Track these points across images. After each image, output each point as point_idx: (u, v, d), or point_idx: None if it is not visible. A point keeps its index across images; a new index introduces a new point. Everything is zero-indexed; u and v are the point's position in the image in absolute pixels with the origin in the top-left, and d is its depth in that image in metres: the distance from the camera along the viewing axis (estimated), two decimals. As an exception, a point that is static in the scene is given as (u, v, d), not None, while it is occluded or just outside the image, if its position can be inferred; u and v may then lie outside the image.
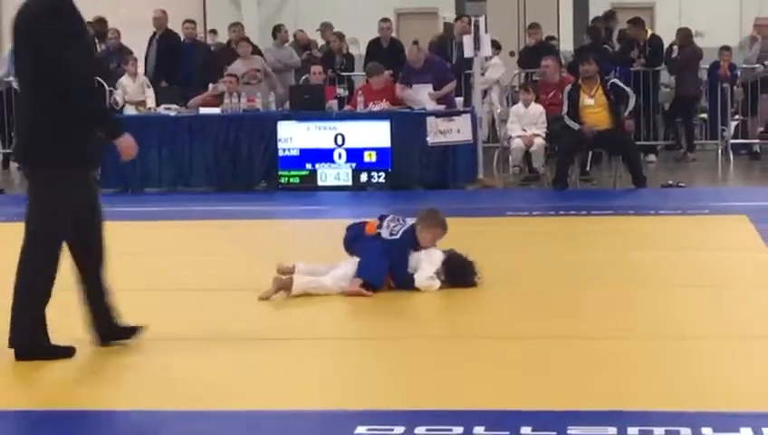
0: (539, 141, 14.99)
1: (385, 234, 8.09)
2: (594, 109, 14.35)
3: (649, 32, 18.35)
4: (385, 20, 18.29)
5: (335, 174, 14.71)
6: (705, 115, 18.75)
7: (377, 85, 15.52)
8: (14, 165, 17.64)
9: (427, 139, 14.65)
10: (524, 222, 11.79)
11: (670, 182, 14.62)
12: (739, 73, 18.14)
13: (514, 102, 16.35)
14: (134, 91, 17.28)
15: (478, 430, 4.88)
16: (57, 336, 6.31)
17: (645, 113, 17.49)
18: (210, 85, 16.26)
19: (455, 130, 14.76)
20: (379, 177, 14.66)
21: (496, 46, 18.33)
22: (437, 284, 7.97)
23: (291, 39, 19.57)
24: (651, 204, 12.67)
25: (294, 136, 14.81)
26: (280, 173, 14.82)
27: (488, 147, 16.97)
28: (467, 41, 15.57)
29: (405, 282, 7.98)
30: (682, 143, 18.30)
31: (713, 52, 18.29)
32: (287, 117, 15.05)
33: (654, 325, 6.94)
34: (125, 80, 17.41)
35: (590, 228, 11.20)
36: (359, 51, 19.50)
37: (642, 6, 23.54)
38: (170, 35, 18.29)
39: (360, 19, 21.24)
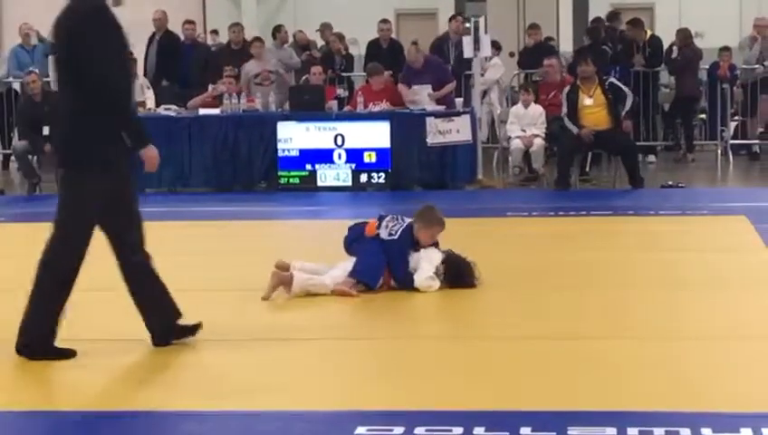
0: (538, 142, 15.00)
1: (384, 235, 8.10)
2: (593, 109, 14.35)
3: (649, 32, 18.34)
4: (384, 21, 18.29)
5: (335, 174, 14.71)
6: (704, 116, 18.74)
7: (377, 86, 15.53)
8: (13, 165, 17.64)
9: (427, 139, 14.65)
10: (524, 222, 11.79)
11: (670, 183, 14.62)
12: (739, 74, 18.13)
13: (514, 103, 16.36)
14: (134, 92, 17.26)
15: (478, 430, 4.88)
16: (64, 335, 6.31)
17: (644, 114, 17.49)
18: (210, 86, 16.25)
19: (454, 131, 14.76)
20: (378, 177, 14.66)
21: (496, 47, 18.32)
22: (437, 284, 7.97)
23: (290, 40, 19.57)
24: (651, 204, 12.67)
25: (294, 136, 14.81)
26: (279, 174, 14.82)
27: (488, 147, 16.99)
28: (467, 41, 15.57)
29: (406, 281, 7.99)
30: (681, 144, 18.29)
31: (712, 52, 18.28)
32: (287, 117, 15.04)
33: (653, 326, 6.94)
34: (125, 80, 17.39)
35: (590, 229, 11.20)
36: (358, 51, 19.50)
37: (642, 7, 23.54)
38: (170, 36, 18.28)
39: (359, 20, 21.23)
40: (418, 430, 4.90)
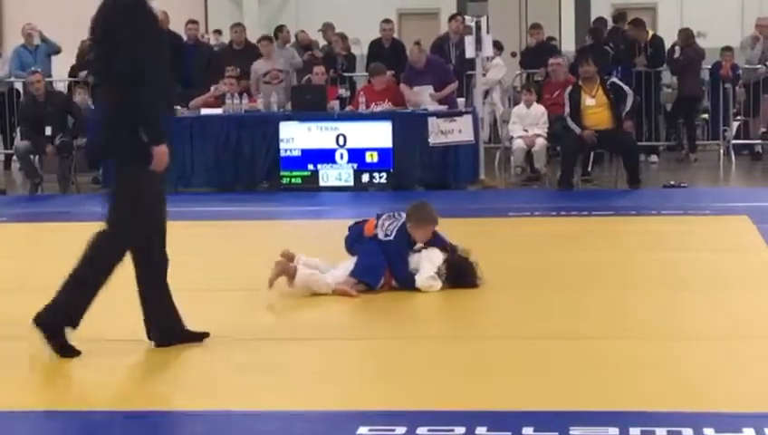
0: (541, 142, 15.00)
1: (380, 235, 8.10)
2: (595, 109, 14.35)
3: (650, 32, 18.34)
4: (387, 21, 18.28)
5: (337, 174, 14.71)
6: (706, 115, 18.74)
7: (379, 86, 15.53)
8: (15, 165, 17.65)
9: (429, 139, 14.65)
10: (526, 222, 11.79)
11: (672, 183, 14.62)
12: (741, 74, 18.13)
13: (516, 103, 16.36)
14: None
15: (480, 430, 4.87)
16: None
17: (647, 114, 17.48)
18: (212, 87, 16.25)
19: (456, 131, 14.76)
20: (380, 177, 14.66)
21: (498, 47, 18.32)
22: (438, 284, 7.96)
23: (292, 39, 19.56)
24: (653, 204, 12.66)
25: (296, 136, 14.81)
26: (282, 174, 14.82)
27: (490, 147, 16.98)
28: (469, 41, 15.57)
29: (407, 281, 7.98)
30: (684, 144, 18.29)
31: (715, 52, 18.28)
32: (289, 117, 15.05)
33: (655, 326, 6.94)
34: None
35: (592, 229, 11.20)
36: (360, 51, 19.49)
37: (644, 7, 23.54)
38: (172, 36, 18.27)
39: (361, 19, 21.23)
40: (420, 430, 4.90)
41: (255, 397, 5.58)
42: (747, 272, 8.66)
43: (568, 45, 21.30)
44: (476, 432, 4.85)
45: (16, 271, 9.47)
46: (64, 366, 6.20)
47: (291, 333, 6.95)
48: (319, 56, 18.63)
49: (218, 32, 21.90)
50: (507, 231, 11.17)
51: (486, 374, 5.92)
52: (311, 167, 14.75)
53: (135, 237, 6.40)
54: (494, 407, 5.27)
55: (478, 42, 15.39)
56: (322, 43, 20.01)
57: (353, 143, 14.66)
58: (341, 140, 14.68)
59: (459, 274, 8.04)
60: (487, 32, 15.53)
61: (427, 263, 7.99)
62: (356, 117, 15.05)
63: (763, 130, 18.35)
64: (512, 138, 15.40)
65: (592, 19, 21.09)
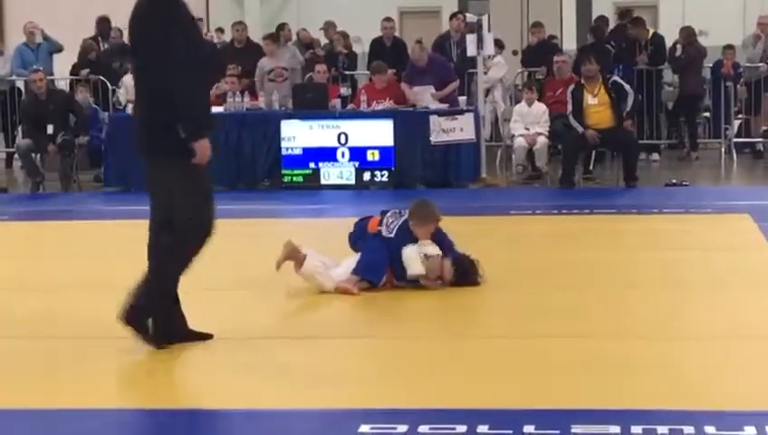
0: (542, 140, 15.01)
1: (384, 232, 8.12)
2: (597, 108, 14.35)
3: (651, 30, 18.34)
4: (388, 19, 18.27)
5: (338, 173, 14.71)
6: (708, 114, 18.73)
7: (380, 84, 15.53)
8: (17, 164, 17.66)
9: (431, 137, 14.65)
10: (528, 221, 11.79)
11: (673, 181, 14.62)
12: (742, 72, 18.13)
13: (517, 101, 16.37)
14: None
15: (482, 428, 4.88)
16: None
17: (648, 112, 17.47)
18: (214, 86, 16.24)
19: (458, 129, 14.76)
20: (382, 175, 14.66)
21: (499, 45, 18.32)
22: (419, 266, 7.90)
23: (294, 38, 19.57)
24: (654, 203, 12.66)
25: (297, 135, 14.81)
26: (283, 172, 14.82)
27: (491, 145, 16.98)
28: (470, 40, 15.56)
29: (406, 278, 7.98)
30: (685, 142, 18.29)
31: (716, 50, 18.27)
32: (290, 116, 15.04)
33: (657, 325, 6.94)
34: (128, 79, 17.43)
35: (594, 227, 11.19)
36: (362, 49, 19.49)
37: (645, 5, 23.52)
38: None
39: (362, 18, 21.23)
40: (422, 428, 4.90)
41: (256, 396, 5.58)
42: (749, 271, 8.66)
43: (569, 44, 21.29)
44: (478, 431, 4.86)
45: (18, 270, 9.47)
46: (64, 365, 6.20)
47: (292, 331, 6.96)
48: (320, 55, 18.63)
49: (220, 30, 21.91)
50: (508, 230, 11.17)
51: (488, 373, 5.92)
52: (312, 165, 14.75)
53: (206, 224, 6.40)
54: (496, 405, 5.27)
55: (480, 40, 15.38)
56: (324, 41, 20.02)
57: (355, 141, 14.66)
58: (343, 139, 14.68)
59: (462, 272, 8.05)
60: (488, 30, 15.52)
61: (413, 247, 7.98)
62: (357, 115, 15.05)
63: (765, 128, 18.33)
64: (513, 136, 15.40)
65: (594, 17, 21.08)
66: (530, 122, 15.25)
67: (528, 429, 4.85)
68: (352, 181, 14.64)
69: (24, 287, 8.61)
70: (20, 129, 16.82)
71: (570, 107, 14.43)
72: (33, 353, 6.48)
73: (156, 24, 6.25)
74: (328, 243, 9.17)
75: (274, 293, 7.93)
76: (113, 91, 17.80)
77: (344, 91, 17.40)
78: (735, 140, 17.86)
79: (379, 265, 8.00)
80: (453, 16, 18.07)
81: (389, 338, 6.79)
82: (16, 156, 17.14)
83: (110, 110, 17.38)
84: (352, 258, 8.08)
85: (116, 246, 10.40)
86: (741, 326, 6.86)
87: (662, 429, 4.82)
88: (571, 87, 14.64)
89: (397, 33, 18.96)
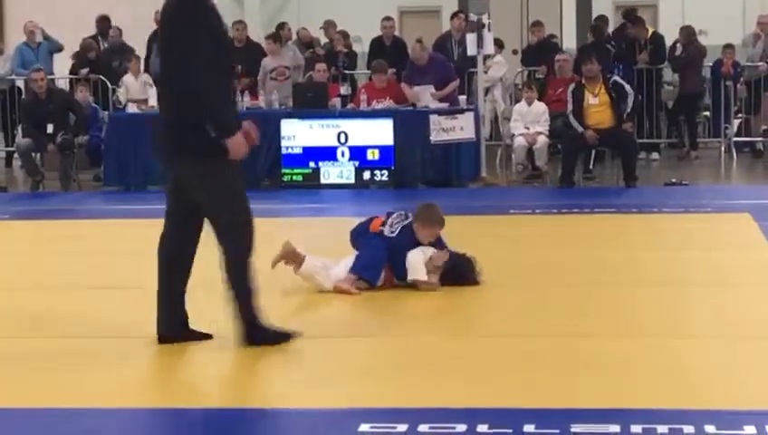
0: (542, 139, 15.01)
1: (387, 231, 8.12)
2: (598, 108, 14.35)
3: (650, 30, 18.34)
4: (388, 18, 18.28)
5: (338, 172, 14.71)
6: (708, 113, 18.73)
7: (380, 83, 15.53)
8: (17, 163, 17.65)
9: (431, 137, 14.65)
10: (527, 220, 11.80)
11: (673, 180, 14.62)
12: (742, 71, 18.13)
13: (517, 101, 16.36)
14: (136, 90, 17.30)
15: (481, 427, 4.88)
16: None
17: (648, 111, 17.48)
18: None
19: (458, 128, 14.76)
20: (382, 175, 14.66)
21: (499, 44, 18.32)
22: (425, 274, 7.91)
23: (294, 37, 19.56)
24: (654, 202, 12.66)
25: (297, 134, 14.81)
26: (283, 171, 14.82)
27: (491, 145, 16.98)
28: (470, 39, 15.57)
29: (403, 275, 7.98)
30: (685, 141, 18.29)
31: (716, 50, 18.27)
32: (290, 115, 15.05)
33: (657, 323, 6.94)
34: (128, 78, 17.44)
35: (594, 227, 11.20)
36: (362, 49, 19.49)
37: (645, 4, 23.52)
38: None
39: (362, 17, 21.22)
40: (422, 427, 4.90)
41: (256, 395, 5.58)
42: (748, 270, 8.66)
43: (569, 43, 21.30)
44: (478, 430, 4.86)
45: (17, 269, 9.48)
46: (64, 365, 6.21)
47: (291, 331, 6.95)
48: (320, 54, 18.63)
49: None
50: (508, 229, 11.17)
51: (488, 372, 5.92)
52: (312, 164, 14.75)
53: (248, 217, 6.47)
54: (496, 404, 5.27)
55: (479, 39, 15.38)
56: (324, 40, 20.02)
57: (355, 141, 14.66)
58: (343, 138, 14.68)
59: (459, 272, 8.05)
60: (488, 29, 15.52)
61: (419, 250, 7.99)
62: (357, 114, 15.05)
63: (765, 127, 18.35)
64: (513, 135, 15.40)
65: (594, 17, 21.07)
66: (530, 121, 15.25)
67: (528, 428, 4.86)
68: (352, 180, 14.65)
69: (23, 287, 8.62)
70: (20, 128, 16.82)
71: (570, 106, 14.43)
72: (32, 353, 6.47)
73: (184, 25, 6.23)
74: (327, 242, 9.18)
75: (273, 292, 7.93)
76: (113, 90, 17.79)
77: (344, 90, 17.39)
78: (735, 139, 17.87)
79: (375, 265, 8.00)
80: (454, 16, 18.07)
81: (389, 337, 6.79)
82: (16, 155, 17.15)
83: (110, 109, 17.38)
84: (351, 257, 8.08)
85: (116, 245, 10.40)
86: (741, 325, 6.86)
87: (662, 428, 4.83)
88: (572, 86, 14.64)
89: (397, 33, 18.96)
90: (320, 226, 11.74)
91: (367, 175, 14.68)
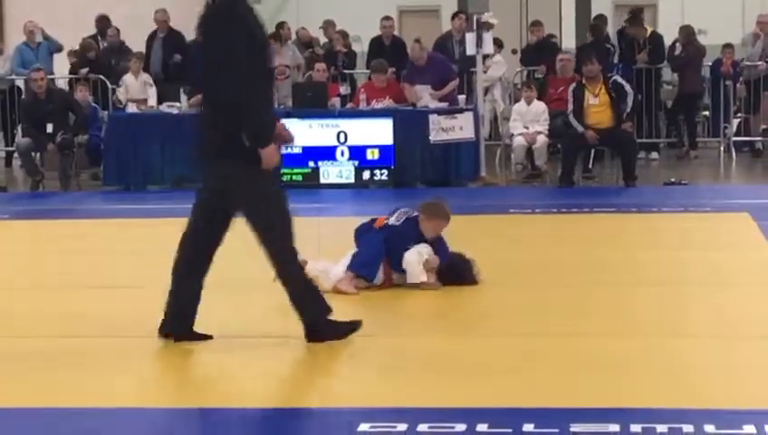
0: (541, 139, 15.01)
1: (392, 221, 8.15)
2: (598, 108, 14.36)
3: (649, 29, 18.35)
4: (387, 18, 18.28)
5: (338, 172, 14.72)
6: (707, 112, 18.74)
7: (379, 83, 15.53)
8: (16, 163, 17.65)
9: (430, 136, 14.66)
10: (527, 220, 11.80)
11: (672, 180, 14.62)
12: (742, 71, 18.13)
13: (517, 100, 16.36)
14: (136, 90, 17.30)
15: (481, 427, 4.88)
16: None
17: (647, 111, 17.48)
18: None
19: (457, 128, 14.77)
20: (381, 174, 14.66)
21: (498, 44, 18.32)
22: (423, 274, 7.92)
23: (293, 37, 19.56)
24: (653, 201, 12.66)
25: (297, 133, 14.73)
26: (282, 171, 14.81)
27: (490, 144, 16.97)
28: (470, 38, 15.57)
29: (402, 267, 7.98)
30: (684, 141, 18.29)
31: (715, 49, 18.28)
32: (289, 114, 15.03)
33: (656, 323, 6.94)
34: (128, 78, 17.44)
35: (593, 226, 11.20)
36: (361, 48, 19.49)
37: (645, 4, 23.53)
38: (175, 35, 18.28)
39: (362, 17, 21.22)
40: (421, 426, 4.90)
41: (256, 395, 5.58)
42: (748, 269, 8.66)
43: (568, 42, 21.30)
44: (477, 429, 4.86)
45: (18, 269, 9.48)
46: (64, 364, 6.21)
47: (291, 331, 6.95)
48: (319, 53, 18.63)
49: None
50: (508, 228, 11.17)
51: (487, 371, 5.92)
52: (311, 164, 14.75)
53: (287, 216, 6.48)
54: (495, 404, 5.28)
55: (479, 39, 15.38)
56: (323, 40, 20.02)
57: (354, 140, 14.66)
58: (342, 138, 14.68)
59: (457, 273, 8.05)
60: (488, 29, 15.52)
61: (418, 248, 7.99)
62: (357, 114, 15.05)
63: (764, 127, 18.36)
64: (512, 135, 15.41)
65: (593, 16, 21.07)
66: (529, 121, 15.26)
67: (527, 427, 4.86)
68: (352, 180, 14.65)
69: (23, 287, 8.62)
70: (19, 128, 16.82)
71: (570, 106, 14.44)
72: (32, 353, 6.47)
73: (223, 30, 6.21)
74: (327, 242, 9.17)
75: (274, 293, 7.92)
76: (113, 90, 17.79)
77: (343, 90, 17.39)
78: (734, 138, 17.88)
79: (372, 261, 8.00)
80: (455, 16, 18.08)
81: (389, 336, 6.79)
82: (16, 155, 17.15)
83: (110, 108, 17.38)
84: (349, 255, 8.08)
85: (116, 244, 10.41)
86: (740, 325, 6.87)
87: (661, 427, 4.83)
88: (573, 86, 14.64)
89: (396, 32, 18.96)
90: (320, 225, 11.74)
91: (366, 175, 14.68)
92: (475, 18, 15.43)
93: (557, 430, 4.82)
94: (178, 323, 6.53)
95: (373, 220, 8.35)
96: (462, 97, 15.80)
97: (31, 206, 13.86)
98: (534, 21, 18.94)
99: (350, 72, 18.81)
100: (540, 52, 17.63)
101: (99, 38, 18.95)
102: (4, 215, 12.63)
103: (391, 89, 15.54)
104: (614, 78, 14.91)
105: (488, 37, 15.55)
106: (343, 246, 8.31)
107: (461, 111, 15.04)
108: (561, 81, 15.74)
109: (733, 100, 17.98)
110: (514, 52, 20.79)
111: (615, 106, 14.35)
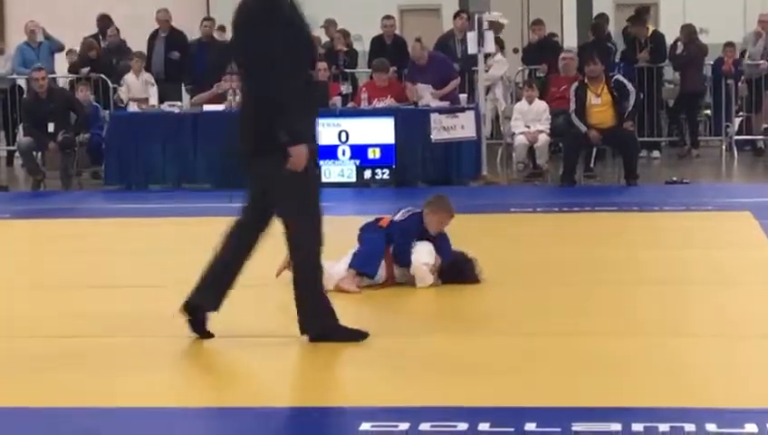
0: (543, 138, 15.01)
1: (397, 218, 8.17)
2: (600, 108, 14.36)
3: (651, 28, 18.34)
4: (388, 17, 18.28)
5: (339, 171, 14.71)
6: (709, 111, 18.74)
7: (381, 82, 15.53)
8: (17, 162, 17.68)
9: (431, 135, 14.65)
10: (528, 219, 11.80)
11: (674, 179, 14.61)
12: (743, 69, 18.13)
13: (518, 99, 16.36)
14: (137, 89, 17.30)
15: (483, 426, 4.87)
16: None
17: (649, 110, 17.48)
18: (215, 85, 16.22)
19: (459, 127, 14.77)
20: (383, 173, 14.66)
21: (500, 43, 18.31)
22: (430, 278, 7.94)
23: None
24: (655, 200, 12.66)
25: (298, 133, 14.78)
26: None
27: (492, 143, 16.98)
28: (471, 37, 15.57)
29: (405, 262, 7.98)
30: (686, 139, 18.30)
31: (717, 48, 18.28)
32: (290, 114, 15.02)
33: (658, 322, 6.94)
34: (129, 77, 17.44)
35: (594, 225, 11.20)
36: (362, 47, 19.49)
37: (646, 3, 23.51)
38: (176, 34, 18.28)
39: (363, 16, 21.21)
40: (423, 425, 4.90)
41: (256, 394, 5.58)
42: (749, 268, 8.66)
43: (570, 41, 21.30)
44: (479, 428, 4.85)
45: (18, 268, 9.48)
46: (64, 364, 6.21)
47: (292, 331, 6.95)
48: (320, 53, 18.61)
49: (222, 28, 21.88)
50: (509, 227, 11.17)
51: (489, 370, 5.91)
52: (313, 163, 14.73)
53: (317, 222, 6.53)
54: (497, 403, 5.27)
55: (480, 38, 15.37)
56: (324, 39, 20.01)
57: (355, 139, 14.66)
58: (344, 137, 14.68)
59: (458, 272, 8.05)
60: (489, 27, 15.52)
61: (425, 251, 7.99)
62: (358, 113, 15.05)
63: (765, 125, 18.34)
64: (514, 134, 15.41)
65: (594, 15, 21.07)
66: (530, 120, 15.26)
67: (529, 426, 4.85)
68: (353, 179, 14.65)
69: (23, 286, 8.61)
70: (21, 127, 16.83)
71: (573, 105, 14.43)
72: (33, 353, 6.47)
73: (261, 25, 6.14)
74: (328, 241, 9.16)
75: (274, 292, 7.93)
76: (114, 89, 17.79)
77: (345, 89, 17.39)
78: (736, 137, 17.88)
79: (373, 258, 8.00)
80: (456, 15, 18.07)
81: (390, 335, 6.78)
82: (17, 154, 17.16)
83: (111, 108, 17.39)
84: (350, 254, 8.08)
85: (117, 244, 10.40)
86: (741, 324, 6.86)
87: (663, 426, 4.82)
88: (575, 85, 14.63)
89: (397, 32, 18.96)
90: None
91: (368, 174, 14.68)
92: (477, 17, 15.41)
93: (559, 430, 4.81)
94: (206, 302, 6.49)
95: (378, 219, 8.35)
96: (463, 96, 15.79)
97: (32, 205, 13.86)
98: (536, 20, 18.94)
99: (352, 71, 18.81)
100: (541, 51, 17.63)
101: (99, 38, 18.96)
102: (5, 214, 12.62)
103: (392, 88, 15.55)
104: (616, 77, 14.92)
105: (489, 36, 15.54)
106: (345, 245, 8.30)
107: (462, 110, 15.03)
108: (562, 79, 15.73)
109: (734, 98, 17.98)
110: (516, 51, 20.78)
111: (617, 105, 14.35)
